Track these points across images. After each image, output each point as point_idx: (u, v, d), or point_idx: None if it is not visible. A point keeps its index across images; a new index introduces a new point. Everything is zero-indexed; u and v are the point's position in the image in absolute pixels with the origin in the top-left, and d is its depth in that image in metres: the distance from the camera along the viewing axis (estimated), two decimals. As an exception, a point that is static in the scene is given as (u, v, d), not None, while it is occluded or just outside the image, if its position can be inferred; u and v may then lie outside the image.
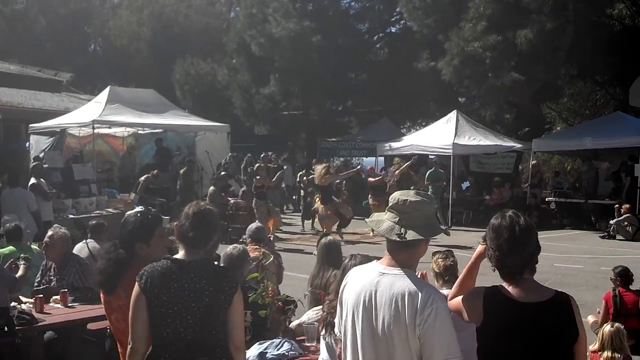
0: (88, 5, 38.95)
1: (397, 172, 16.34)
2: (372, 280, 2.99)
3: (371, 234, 15.87)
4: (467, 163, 21.87)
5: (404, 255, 3.01)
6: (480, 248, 3.34)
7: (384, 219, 3.06)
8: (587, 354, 4.56)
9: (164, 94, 23.11)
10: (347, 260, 4.86)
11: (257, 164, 17.10)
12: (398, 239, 2.94)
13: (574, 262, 12.92)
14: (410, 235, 2.95)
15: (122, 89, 21.75)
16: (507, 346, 2.94)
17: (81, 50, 38.49)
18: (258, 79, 26.43)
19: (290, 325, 5.52)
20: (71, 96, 27.11)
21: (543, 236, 13.79)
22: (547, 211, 19.20)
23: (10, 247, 7.52)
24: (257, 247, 7.19)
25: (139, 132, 22.35)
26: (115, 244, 4.00)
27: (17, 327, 5.76)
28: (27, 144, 21.16)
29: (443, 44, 20.12)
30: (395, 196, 3.08)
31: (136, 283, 3.45)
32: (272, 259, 6.69)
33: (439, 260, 5.32)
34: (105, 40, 39.38)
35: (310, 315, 5.47)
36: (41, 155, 18.99)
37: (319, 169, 15.41)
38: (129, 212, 4.23)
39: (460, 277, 3.39)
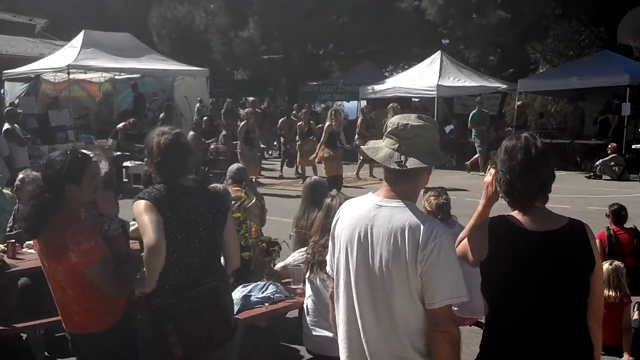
0: None
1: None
2: (368, 214, 2.69)
3: (355, 177, 15.67)
4: (450, 105, 21.55)
5: (403, 185, 2.69)
6: (489, 190, 2.88)
7: (381, 146, 2.73)
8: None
9: (141, 40, 22.45)
10: (328, 199, 4.63)
11: (247, 109, 16.75)
12: (397, 167, 2.63)
13: (561, 202, 12.75)
14: (412, 163, 2.61)
15: (98, 33, 21.02)
16: (518, 279, 2.65)
17: None
18: (237, 22, 25.80)
19: (274, 268, 5.27)
20: (46, 42, 26.40)
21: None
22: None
23: (-21, 193, 7.18)
24: (238, 188, 6.90)
25: (116, 77, 21.82)
26: (40, 187, 3.58)
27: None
28: (2, 90, 20.65)
29: (427, -18, 19.63)
30: (395, 120, 2.74)
31: (141, 202, 3.25)
32: (254, 200, 6.40)
33: (431, 198, 5.09)
34: None
35: (295, 256, 5.22)
36: (16, 102, 18.49)
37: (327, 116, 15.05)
38: (52, 153, 3.72)
39: (470, 222, 2.94)
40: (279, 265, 5.29)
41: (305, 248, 4.99)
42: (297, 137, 16.59)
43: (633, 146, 16.60)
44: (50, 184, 3.49)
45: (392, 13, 22.57)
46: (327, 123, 14.57)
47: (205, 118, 17.81)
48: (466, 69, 19.91)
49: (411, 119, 2.71)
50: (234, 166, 7.54)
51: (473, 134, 17.56)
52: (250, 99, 26.44)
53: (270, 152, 23.96)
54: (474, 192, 14.39)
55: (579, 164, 17.82)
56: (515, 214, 2.74)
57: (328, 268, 2.95)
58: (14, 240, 5.96)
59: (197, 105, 20.60)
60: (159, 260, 3.09)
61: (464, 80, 18.98)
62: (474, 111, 17.77)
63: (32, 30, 27.33)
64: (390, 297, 2.61)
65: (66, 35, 24.11)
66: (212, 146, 16.32)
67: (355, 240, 2.69)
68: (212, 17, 27.69)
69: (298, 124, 16.90)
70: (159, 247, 3.07)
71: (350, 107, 27.39)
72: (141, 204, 3.24)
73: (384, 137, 2.77)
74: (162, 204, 3.25)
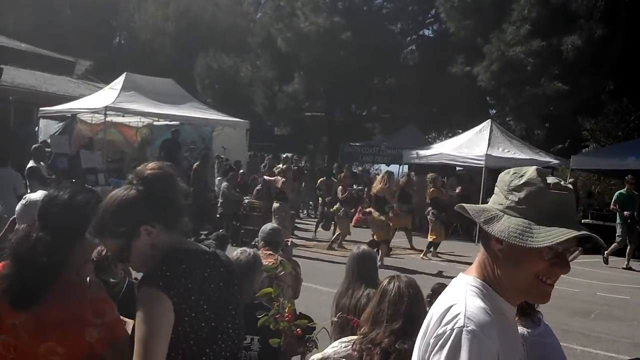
0: None
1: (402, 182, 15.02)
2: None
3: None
4: (496, 178, 20.54)
5: None
6: None
7: (498, 213, 1.88)
8: None
9: (185, 88, 22.11)
10: (385, 282, 3.73)
11: (285, 165, 15.99)
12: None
13: (619, 292, 11.70)
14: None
15: (139, 77, 20.67)
16: None
17: (105, 42, 38.48)
18: (282, 76, 25.44)
19: None
20: (88, 84, 26.26)
21: (580, 261, 12.50)
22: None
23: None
24: (271, 252, 6.01)
25: (154, 123, 21.37)
26: (37, 236, 2.48)
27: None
28: (36, 128, 20.28)
29: (481, 47, 18.92)
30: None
31: (153, 289, 2.24)
32: (289, 268, 5.50)
33: None
34: (130, 34, 39.44)
35: (336, 348, 4.21)
36: (48, 140, 18.03)
37: (378, 179, 14.09)
38: (63, 189, 2.62)
39: None
40: (314, 357, 4.26)
41: (349, 339, 4.05)
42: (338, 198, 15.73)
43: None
44: (59, 236, 2.48)
45: (441, 77, 21.91)
46: (379, 185, 13.56)
47: (241, 171, 17.17)
48: (516, 140, 18.98)
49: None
50: (268, 226, 6.61)
51: (618, 221, 15.04)
52: (289, 155, 26.04)
53: (305, 212, 23.19)
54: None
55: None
56: None
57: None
58: None
59: (216, 160, 19.97)
60: None
61: (513, 151, 18.03)
62: (621, 190, 15.48)
63: (74, 69, 27.25)
64: None
65: (110, 79, 24.11)
66: (247, 201, 15.58)
67: None
68: (257, 69, 27.40)
69: (339, 187, 16.07)
70: None
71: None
72: (156, 297, 2.25)
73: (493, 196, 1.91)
74: (188, 284, 2.30)
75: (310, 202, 23.49)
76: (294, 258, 7.27)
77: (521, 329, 3.86)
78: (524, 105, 18.90)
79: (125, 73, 20.01)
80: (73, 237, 2.50)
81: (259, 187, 15.99)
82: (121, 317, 2.65)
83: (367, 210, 14.15)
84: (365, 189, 17.23)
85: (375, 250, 12.90)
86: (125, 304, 3.23)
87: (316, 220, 18.74)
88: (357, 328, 4.21)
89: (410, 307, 3.51)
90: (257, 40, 27.80)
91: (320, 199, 19.49)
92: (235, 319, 2.48)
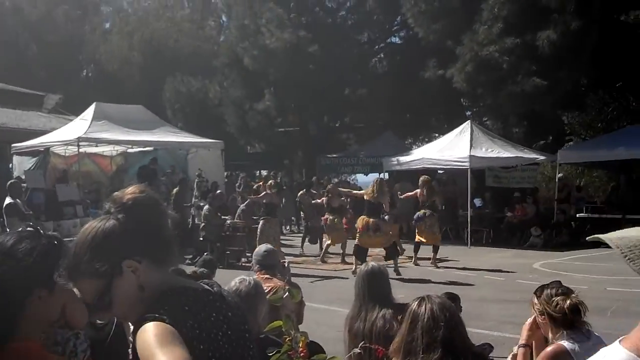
0: (79, 31, 38.42)
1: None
2: None
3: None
4: (481, 178, 20.32)
5: None
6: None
7: None
8: None
9: (155, 114, 21.67)
10: (414, 305, 3.30)
11: (270, 180, 15.70)
12: None
13: (630, 286, 11.37)
14: None
15: (109, 105, 20.28)
16: None
17: (73, 76, 38.32)
18: (252, 94, 25.08)
19: None
20: (59, 117, 25.74)
21: (580, 256, 12.23)
22: (578, 229, 17.52)
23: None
24: (268, 276, 5.58)
25: (128, 150, 20.94)
26: None
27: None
28: (10, 165, 19.79)
29: (453, 49, 18.72)
30: None
31: (158, 323, 1.79)
32: (299, 297, 5.10)
33: (557, 299, 3.75)
34: (97, 66, 39.27)
35: None
36: (23, 176, 17.54)
37: (370, 187, 13.57)
38: (4, 236, 2.19)
39: None
40: None
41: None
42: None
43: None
44: (6, 288, 2.01)
45: (413, 83, 21.68)
46: (369, 192, 13.25)
47: (218, 192, 16.73)
48: (499, 139, 18.81)
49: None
50: (262, 248, 6.10)
51: None
52: (264, 172, 25.67)
53: (288, 227, 22.81)
54: (521, 272, 13.06)
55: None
56: None
57: None
58: None
59: (196, 180, 19.50)
60: None
61: (497, 150, 17.83)
62: None
63: (42, 103, 26.77)
64: None
65: (80, 111, 23.86)
66: (229, 222, 15.19)
67: None
68: (226, 89, 26.98)
69: (322, 198, 15.78)
70: None
71: (368, 181, 26.27)
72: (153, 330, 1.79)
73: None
74: (182, 330, 1.82)
75: (292, 217, 23.14)
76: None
77: (570, 345, 3.53)
78: (502, 105, 18.68)
79: (95, 103, 19.64)
80: (21, 296, 2.05)
81: (243, 207, 15.64)
82: None
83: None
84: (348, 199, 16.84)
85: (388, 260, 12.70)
86: (113, 350, 2.81)
87: (301, 235, 18.34)
88: (382, 358, 3.84)
89: (448, 334, 3.10)
90: (223, 60, 27.41)
91: (302, 212, 19.16)
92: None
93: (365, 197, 13.40)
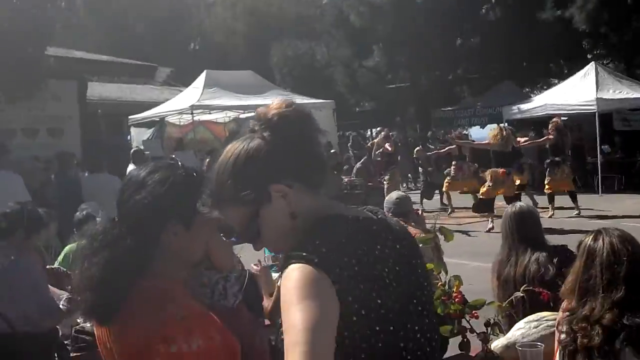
0: (183, 6, 39.40)
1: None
2: None
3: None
4: (608, 122, 19.05)
5: None
6: None
7: None
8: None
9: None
10: (588, 239, 2.88)
11: (383, 133, 15.41)
12: None
13: None
14: None
15: (219, 72, 20.50)
16: None
17: (180, 50, 39.21)
18: (360, 52, 24.67)
19: (492, 348, 3.43)
20: (172, 89, 26.36)
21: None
22: None
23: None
24: (405, 224, 5.22)
25: (240, 116, 21.05)
26: (115, 228, 1.85)
27: (74, 354, 4.15)
28: (128, 137, 20.41)
29: (572, -14, 17.54)
30: None
31: (307, 266, 1.50)
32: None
33: None
34: (203, 38, 40.25)
35: (524, 330, 3.36)
36: (141, 147, 18.01)
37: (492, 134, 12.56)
38: (140, 168, 1.97)
39: None
40: (497, 343, 3.43)
41: (538, 317, 3.26)
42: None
43: None
44: (139, 220, 1.83)
45: (528, 28, 20.52)
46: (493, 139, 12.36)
47: (332, 151, 16.51)
48: (627, 79, 17.51)
49: None
50: (394, 195, 5.83)
51: None
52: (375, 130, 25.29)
53: (405, 185, 22.34)
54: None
55: None
56: None
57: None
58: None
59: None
60: None
61: (626, 92, 16.59)
62: None
63: (154, 73, 27.55)
64: None
65: (190, 82, 24.55)
66: (346, 180, 14.96)
67: None
68: (333, 49, 26.70)
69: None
70: None
71: (484, 134, 25.30)
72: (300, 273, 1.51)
73: None
74: (338, 267, 1.53)
75: (409, 175, 22.65)
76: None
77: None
78: (628, 43, 17.34)
79: (205, 71, 19.84)
80: (154, 230, 1.83)
81: (359, 165, 15.38)
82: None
83: None
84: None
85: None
86: (247, 303, 2.54)
87: (419, 192, 17.87)
88: (548, 303, 3.42)
89: (632, 269, 2.67)
90: (329, 20, 27.17)
91: (420, 168, 18.69)
92: (425, 319, 1.68)
93: (489, 146, 12.64)
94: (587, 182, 17.23)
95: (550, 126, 13.53)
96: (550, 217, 12.70)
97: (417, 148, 18.32)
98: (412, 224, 5.46)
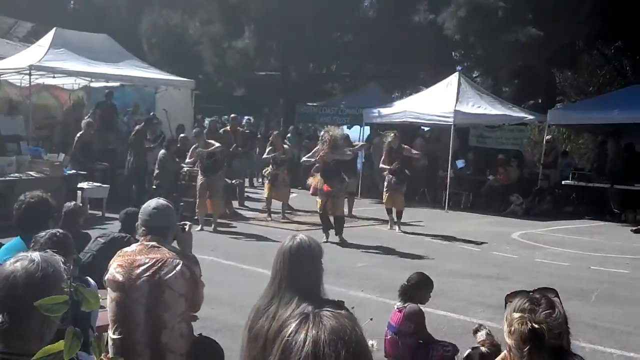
0: None
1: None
2: None
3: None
4: (464, 136, 18.95)
5: None
6: None
7: None
8: None
9: (131, 49, 19.96)
10: (293, 326, 1.81)
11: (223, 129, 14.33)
12: None
13: (618, 265, 10.20)
14: None
15: (71, 32, 18.48)
16: None
17: (58, 7, 36.28)
18: (231, 30, 23.33)
19: None
20: (26, 46, 24.03)
21: (561, 227, 11.06)
22: (561, 197, 16.27)
23: None
24: (155, 245, 4.09)
25: (91, 84, 19.29)
26: None
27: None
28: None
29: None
30: None
31: None
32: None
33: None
34: None
35: None
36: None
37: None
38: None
39: None
40: None
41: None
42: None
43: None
44: None
45: (400, 30, 20.07)
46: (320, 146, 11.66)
47: (181, 136, 15.25)
48: (487, 95, 17.41)
49: None
50: (152, 203, 4.33)
51: None
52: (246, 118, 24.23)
53: (260, 180, 21.41)
54: (498, 243, 11.86)
55: (619, 214, 15.24)
56: None
57: None
58: None
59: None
60: None
61: (484, 107, 16.43)
62: None
63: (15, 32, 25.20)
64: None
65: None
66: (186, 169, 13.78)
67: None
68: (206, 26, 25.25)
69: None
70: None
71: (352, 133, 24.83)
72: None
73: None
74: None
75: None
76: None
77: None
78: (494, 56, 17.24)
79: (55, 28, 17.89)
80: None
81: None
82: None
83: None
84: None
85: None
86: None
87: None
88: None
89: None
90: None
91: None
92: None
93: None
94: (437, 196, 17.02)
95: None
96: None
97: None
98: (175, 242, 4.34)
